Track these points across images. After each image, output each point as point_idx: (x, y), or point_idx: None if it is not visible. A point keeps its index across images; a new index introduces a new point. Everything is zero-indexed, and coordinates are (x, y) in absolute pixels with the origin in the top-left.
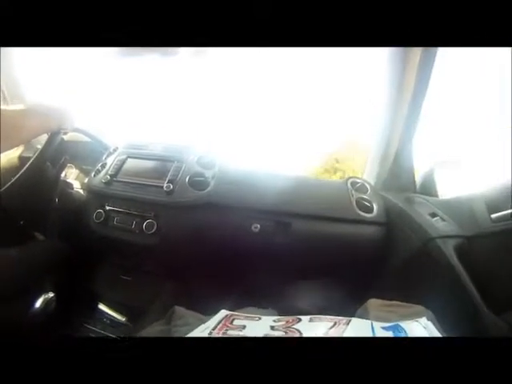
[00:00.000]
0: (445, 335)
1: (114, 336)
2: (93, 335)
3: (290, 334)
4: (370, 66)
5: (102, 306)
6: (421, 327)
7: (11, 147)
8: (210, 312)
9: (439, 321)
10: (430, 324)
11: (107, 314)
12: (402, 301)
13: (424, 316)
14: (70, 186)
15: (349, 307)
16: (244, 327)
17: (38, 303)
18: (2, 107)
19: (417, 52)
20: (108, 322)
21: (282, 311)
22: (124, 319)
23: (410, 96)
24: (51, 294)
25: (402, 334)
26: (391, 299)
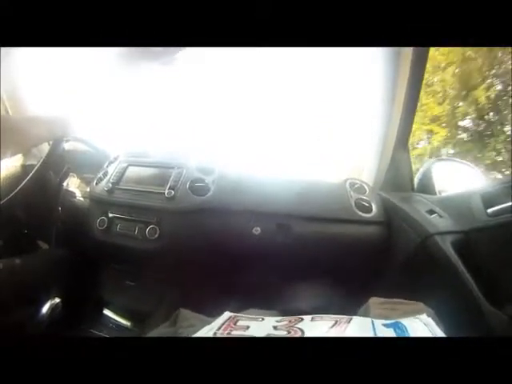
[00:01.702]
0: (446, 332)
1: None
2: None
3: (293, 333)
4: (364, 65)
5: (107, 312)
6: (422, 324)
7: (15, 154)
8: (214, 314)
9: (440, 317)
10: (430, 321)
11: (113, 319)
12: (402, 298)
13: (424, 313)
14: (72, 194)
15: (350, 307)
16: (248, 327)
17: (44, 309)
18: (7, 114)
19: (409, 51)
20: (114, 327)
21: (285, 312)
22: (130, 324)
23: (404, 96)
24: (57, 300)
25: (403, 331)
26: (392, 297)
